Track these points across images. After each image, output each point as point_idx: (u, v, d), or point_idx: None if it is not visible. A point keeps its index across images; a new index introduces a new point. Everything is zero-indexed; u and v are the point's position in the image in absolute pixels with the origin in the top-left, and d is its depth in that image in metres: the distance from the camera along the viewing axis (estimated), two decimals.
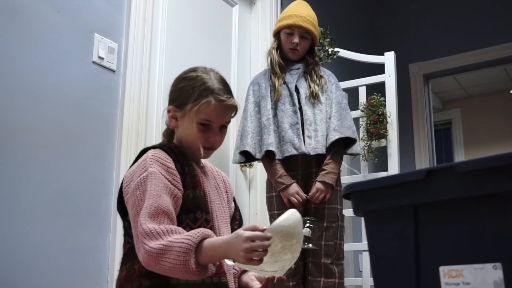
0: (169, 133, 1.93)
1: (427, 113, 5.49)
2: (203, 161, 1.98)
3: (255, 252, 1.47)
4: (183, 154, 1.83)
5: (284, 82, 3.03)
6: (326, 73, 3.15)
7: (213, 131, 1.82)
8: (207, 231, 1.57)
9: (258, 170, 3.53)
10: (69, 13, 2.44)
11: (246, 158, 3.05)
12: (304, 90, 3.01)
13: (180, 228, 1.59)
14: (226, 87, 1.84)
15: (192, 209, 1.73)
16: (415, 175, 1.17)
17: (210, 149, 1.85)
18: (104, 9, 2.61)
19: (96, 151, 2.48)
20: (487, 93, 7.93)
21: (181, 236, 1.54)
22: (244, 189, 3.55)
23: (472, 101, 8.09)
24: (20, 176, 2.15)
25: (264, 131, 2.96)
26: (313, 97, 2.98)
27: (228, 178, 2.11)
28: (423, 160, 5.30)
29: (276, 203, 2.97)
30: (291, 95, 2.99)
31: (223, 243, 1.53)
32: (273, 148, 2.90)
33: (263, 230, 1.48)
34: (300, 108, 2.98)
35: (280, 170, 2.91)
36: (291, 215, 1.53)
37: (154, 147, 1.81)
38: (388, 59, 3.68)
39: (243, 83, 3.61)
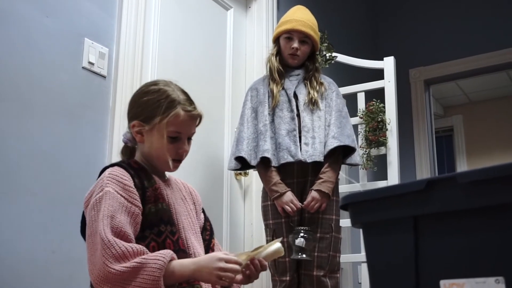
0: (128, 151, 1.99)
1: (428, 120, 5.50)
2: (167, 174, 2.03)
3: (227, 273, 1.65)
4: (144, 169, 1.88)
5: (283, 88, 3.03)
6: (326, 80, 3.15)
7: (182, 143, 1.89)
8: (173, 253, 1.67)
9: (254, 179, 3.53)
10: (58, 18, 2.44)
11: (242, 165, 3.05)
12: (303, 97, 3.01)
13: (141, 247, 1.65)
14: (189, 97, 1.93)
15: (156, 222, 1.78)
16: (415, 186, 1.17)
17: (178, 161, 1.93)
18: (94, 13, 2.61)
19: (86, 160, 2.47)
20: (490, 99, 7.94)
21: (153, 255, 1.63)
22: (239, 199, 3.54)
23: (475, 107, 8.10)
24: (8, 185, 2.14)
25: (260, 137, 2.95)
26: (312, 103, 2.98)
27: (195, 190, 2.15)
28: (424, 168, 5.31)
29: (271, 213, 2.96)
30: (289, 101, 3.00)
31: (192, 263, 1.68)
32: (269, 154, 2.90)
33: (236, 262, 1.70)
34: (298, 115, 2.98)
35: (275, 177, 2.91)
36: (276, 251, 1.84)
37: (112, 165, 1.86)
38: (388, 64, 3.69)
39: (238, 88, 3.62)
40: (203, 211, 2.11)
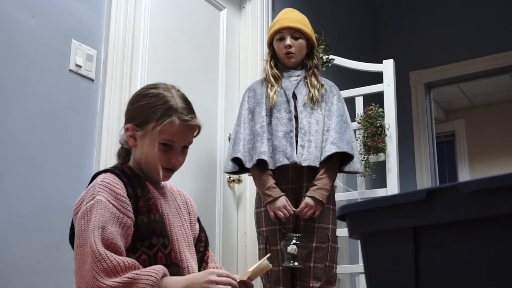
0: (124, 153, 1.97)
1: (429, 125, 5.50)
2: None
3: (218, 286, 1.66)
4: (137, 176, 1.86)
5: (282, 88, 3.04)
6: (328, 83, 3.17)
7: (175, 152, 1.87)
8: (165, 269, 1.68)
9: (247, 186, 3.53)
10: (44, 18, 2.44)
11: (239, 167, 3.05)
12: (302, 97, 3.02)
13: (133, 261, 1.65)
14: (189, 106, 1.90)
15: (148, 235, 1.77)
16: (415, 196, 1.17)
17: (170, 170, 1.90)
18: (82, 13, 2.61)
19: (73, 166, 2.47)
20: (493, 103, 7.95)
21: (145, 271, 1.63)
22: (233, 207, 3.54)
23: (477, 111, 8.11)
24: None
25: (257, 139, 2.96)
26: (313, 102, 2.99)
27: (191, 198, 2.15)
28: (425, 175, 5.31)
29: (265, 219, 2.97)
30: (287, 101, 3.00)
31: (185, 279, 1.69)
32: (265, 157, 2.90)
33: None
34: (296, 117, 2.99)
35: (270, 181, 2.91)
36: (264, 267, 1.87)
37: (105, 171, 1.85)
38: (387, 67, 3.69)
39: (232, 91, 3.62)
40: (199, 221, 2.10)
